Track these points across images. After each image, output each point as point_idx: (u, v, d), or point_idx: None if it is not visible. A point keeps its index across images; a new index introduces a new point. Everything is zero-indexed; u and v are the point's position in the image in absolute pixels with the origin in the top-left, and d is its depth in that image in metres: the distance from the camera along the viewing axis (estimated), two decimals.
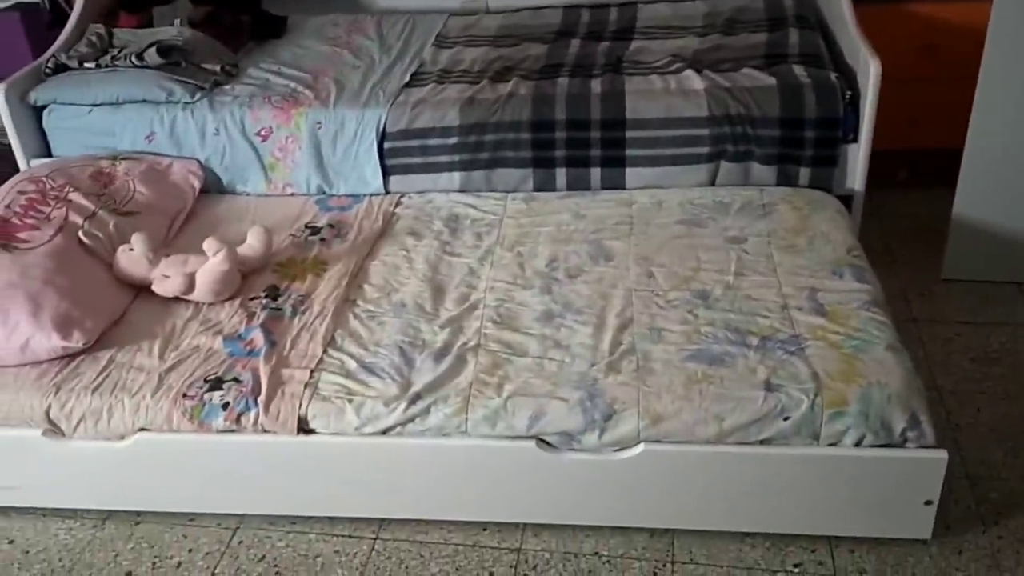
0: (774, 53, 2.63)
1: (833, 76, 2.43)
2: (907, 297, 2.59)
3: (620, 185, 2.50)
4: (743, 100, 2.41)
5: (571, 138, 2.48)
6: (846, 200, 2.44)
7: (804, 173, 2.43)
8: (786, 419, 1.71)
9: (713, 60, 2.64)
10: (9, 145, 2.70)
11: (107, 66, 2.70)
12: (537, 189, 2.54)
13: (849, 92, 2.40)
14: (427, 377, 1.85)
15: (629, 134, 2.45)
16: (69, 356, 1.96)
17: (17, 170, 2.67)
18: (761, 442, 1.73)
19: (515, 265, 2.21)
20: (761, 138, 2.41)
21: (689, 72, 2.56)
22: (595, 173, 2.51)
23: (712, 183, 2.47)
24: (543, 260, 2.22)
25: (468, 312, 2.06)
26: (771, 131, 2.40)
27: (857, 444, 1.72)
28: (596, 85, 2.55)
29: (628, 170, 2.49)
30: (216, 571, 1.86)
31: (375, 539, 1.91)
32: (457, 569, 1.84)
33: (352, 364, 1.91)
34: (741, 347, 1.86)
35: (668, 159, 2.46)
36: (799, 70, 2.48)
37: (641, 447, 1.73)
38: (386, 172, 2.58)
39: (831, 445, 1.73)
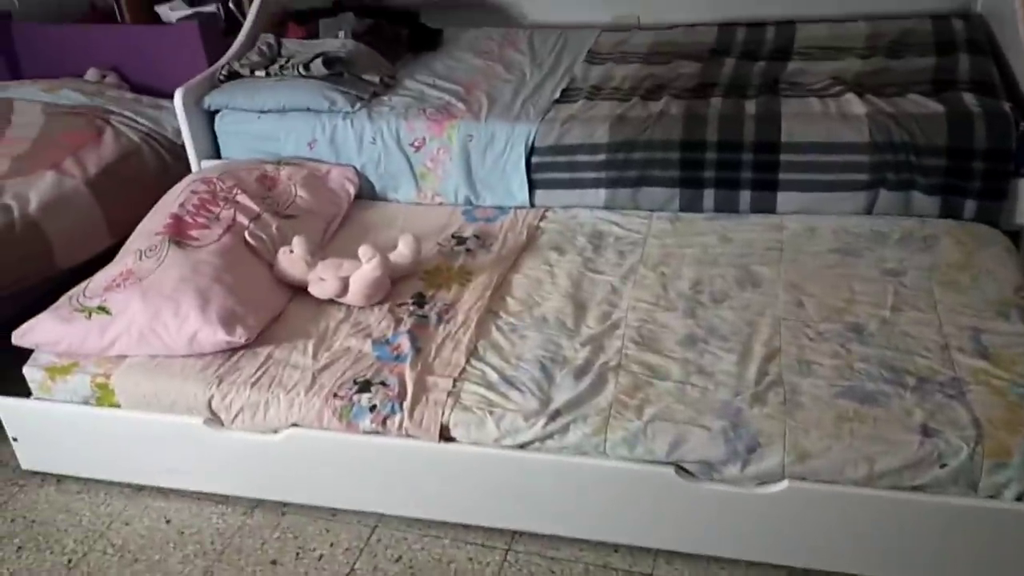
0: (942, 79, 2.52)
1: (1007, 106, 2.30)
2: None
3: (770, 209, 2.45)
4: (908, 127, 2.31)
5: (722, 159, 2.44)
6: (1014, 236, 2.30)
7: (970, 206, 2.32)
8: (943, 466, 1.63)
9: (876, 84, 2.54)
10: (182, 145, 2.88)
11: (276, 75, 2.85)
12: (683, 209, 2.51)
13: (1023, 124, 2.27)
14: (567, 394, 1.87)
15: (783, 157, 2.39)
16: (231, 350, 2.08)
17: (189, 169, 2.86)
18: (914, 488, 1.66)
19: (658, 286, 2.20)
20: (925, 167, 2.30)
21: (850, 96, 2.48)
22: (744, 195, 2.46)
23: (869, 212, 2.38)
24: (687, 282, 2.20)
25: (609, 331, 2.06)
26: (936, 161, 2.29)
27: (1019, 498, 1.63)
28: (751, 106, 2.51)
29: (780, 194, 2.42)
30: (355, 567, 1.93)
31: (507, 550, 1.94)
32: None
33: (494, 376, 1.94)
34: (896, 387, 1.78)
35: (823, 184, 2.38)
36: (969, 98, 2.36)
37: (785, 483, 1.69)
38: (532, 186, 2.61)
39: (990, 497, 1.64)
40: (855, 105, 2.43)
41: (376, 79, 2.88)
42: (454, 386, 1.92)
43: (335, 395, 1.93)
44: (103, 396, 2.08)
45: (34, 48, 3.42)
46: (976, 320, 1.94)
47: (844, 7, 3.15)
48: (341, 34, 3.01)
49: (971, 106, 2.33)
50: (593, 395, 1.86)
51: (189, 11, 3.28)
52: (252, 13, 3.09)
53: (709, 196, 2.49)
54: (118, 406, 2.08)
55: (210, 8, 3.29)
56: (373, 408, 1.90)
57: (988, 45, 2.74)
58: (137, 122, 3.05)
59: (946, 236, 2.24)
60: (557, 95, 2.77)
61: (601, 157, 2.52)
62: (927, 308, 2.00)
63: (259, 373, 2.01)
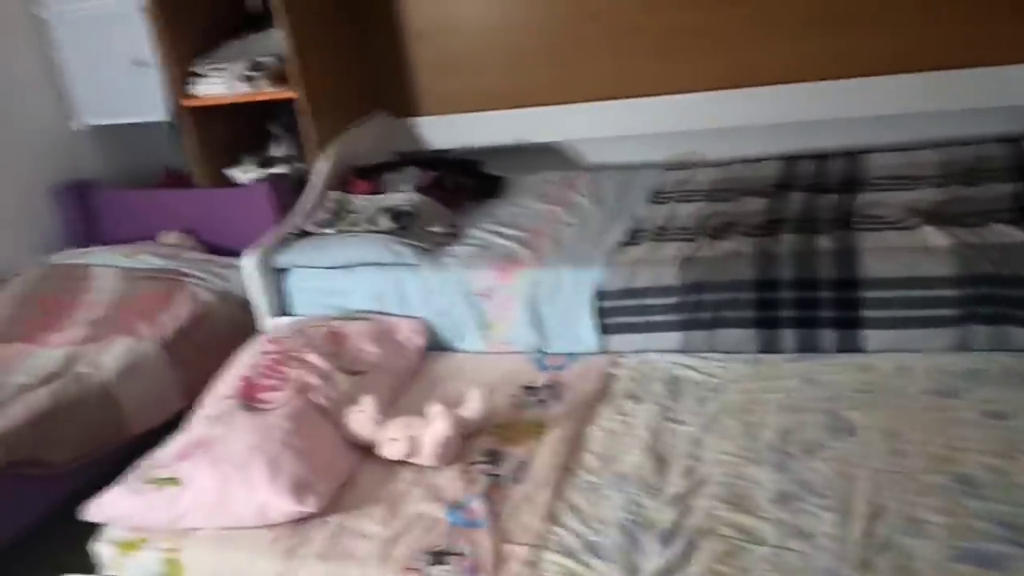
0: None
1: None
2: None
3: (856, 348, 2.33)
4: (994, 258, 2.21)
5: (799, 298, 2.35)
6: None
7: None
8: None
9: (955, 214, 2.45)
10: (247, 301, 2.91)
11: (343, 231, 2.88)
12: (761, 351, 2.41)
13: None
14: (655, 563, 1.74)
15: (865, 294, 2.30)
16: (300, 519, 2.01)
17: (260, 328, 2.87)
18: None
19: (743, 436, 2.08)
20: (1018, 300, 2.18)
21: (929, 227, 2.39)
22: (827, 335, 2.35)
23: (962, 348, 2.25)
24: (774, 431, 2.08)
25: (695, 488, 1.94)
26: None
27: None
28: (824, 241, 2.44)
29: (865, 332, 2.32)
30: None
31: None
32: None
33: (575, 543, 1.83)
34: (1019, 547, 1.62)
35: (910, 321, 2.27)
36: None
37: None
38: (602, 330, 2.55)
39: None
40: (936, 237, 2.33)
41: (441, 230, 2.90)
42: (533, 555, 1.81)
43: (408, 568, 1.84)
44: (172, 572, 2.02)
45: (113, 213, 3.55)
46: None
47: (910, 134, 3.10)
48: (405, 188, 3.06)
49: None
50: (684, 564, 1.73)
51: (260, 173, 3.39)
52: (320, 173, 3.17)
53: (788, 336, 2.39)
54: None
55: (280, 169, 3.39)
56: None
57: None
58: (210, 283, 3.11)
59: None
60: (622, 237, 2.74)
61: (672, 300, 2.46)
62: None
63: (329, 544, 1.93)
